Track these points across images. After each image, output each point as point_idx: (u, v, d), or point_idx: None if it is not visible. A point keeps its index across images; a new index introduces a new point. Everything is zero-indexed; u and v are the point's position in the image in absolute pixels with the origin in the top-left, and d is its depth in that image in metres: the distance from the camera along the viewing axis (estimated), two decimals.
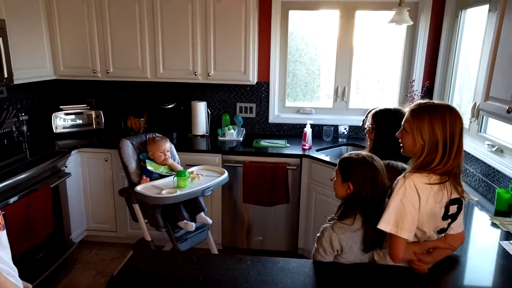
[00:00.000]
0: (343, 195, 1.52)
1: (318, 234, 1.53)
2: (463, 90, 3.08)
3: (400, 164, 1.67)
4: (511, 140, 2.36)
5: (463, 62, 3.05)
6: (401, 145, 1.46)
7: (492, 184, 2.37)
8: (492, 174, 2.38)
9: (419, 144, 1.34)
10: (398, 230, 1.33)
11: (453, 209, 1.38)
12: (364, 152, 1.54)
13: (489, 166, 2.39)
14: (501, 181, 2.28)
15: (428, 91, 3.28)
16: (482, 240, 1.80)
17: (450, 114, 1.32)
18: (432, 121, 1.32)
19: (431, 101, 1.39)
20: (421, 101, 1.40)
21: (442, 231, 1.43)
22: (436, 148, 1.31)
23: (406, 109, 1.43)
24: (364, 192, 1.46)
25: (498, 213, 2.02)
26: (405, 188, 1.32)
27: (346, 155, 1.56)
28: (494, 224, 1.90)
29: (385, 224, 1.35)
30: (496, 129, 2.55)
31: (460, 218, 1.45)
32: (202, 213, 2.64)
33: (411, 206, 1.32)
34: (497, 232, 1.84)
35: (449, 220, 1.41)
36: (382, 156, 1.71)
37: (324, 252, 1.48)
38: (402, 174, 1.37)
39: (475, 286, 1.42)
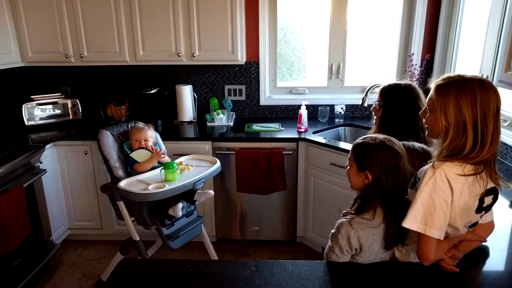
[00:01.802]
0: (360, 185, 1.32)
1: (332, 231, 1.33)
2: (466, 63, 2.89)
3: (417, 144, 1.48)
4: None
5: (466, 33, 2.85)
6: (426, 126, 1.25)
7: (505, 161, 2.21)
8: (504, 150, 2.22)
9: (442, 125, 1.14)
10: (427, 228, 1.14)
11: (488, 200, 1.19)
12: (381, 135, 1.33)
13: (501, 142, 2.23)
14: None
15: (428, 64, 3.09)
16: (506, 225, 1.63)
17: (482, 90, 1.10)
18: (459, 98, 1.11)
19: (462, 74, 1.18)
20: (451, 74, 1.19)
21: (474, 224, 1.25)
22: (464, 131, 1.10)
23: (432, 84, 1.21)
24: (385, 182, 1.25)
25: None
26: (435, 180, 1.12)
27: (360, 140, 1.35)
28: None
29: (412, 222, 1.15)
30: (507, 103, 2.38)
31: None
32: (199, 191, 2.39)
33: (442, 200, 1.13)
34: None
35: (483, 213, 1.23)
36: (390, 135, 1.52)
37: (341, 251, 1.28)
38: (430, 163, 1.16)
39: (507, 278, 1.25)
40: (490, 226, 1.33)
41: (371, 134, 1.38)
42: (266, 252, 3.06)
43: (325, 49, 3.31)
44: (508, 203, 1.77)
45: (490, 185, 1.17)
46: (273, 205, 2.98)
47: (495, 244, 1.41)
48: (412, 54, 3.11)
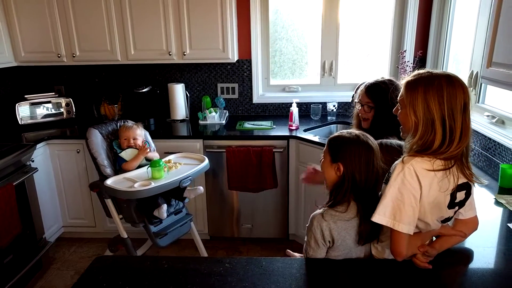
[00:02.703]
0: (333, 178, 1.32)
1: (307, 224, 1.33)
2: (458, 59, 2.88)
3: (395, 141, 1.47)
4: None
5: (457, 29, 2.83)
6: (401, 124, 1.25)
7: (493, 158, 2.20)
8: (493, 147, 2.21)
9: (412, 121, 1.14)
10: (395, 223, 1.14)
11: (460, 195, 1.19)
12: (357, 131, 1.34)
13: (489, 138, 2.22)
14: (503, 154, 2.11)
15: (420, 61, 3.07)
16: (489, 222, 1.62)
17: (449, 86, 1.11)
18: (426, 95, 1.11)
19: (431, 70, 1.17)
20: (420, 71, 1.19)
21: (447, 220, 1.25)
22: (433, 127, 1.11)
23: (403, 81, 1.21)
24: (358, 176, 1.26)
25: (502, 190, 1.84)
26: (404, 175, 1.12)
27: (336, 133, 1.36)
28: (498, 203, 1.73)
29: (381, 216, 1.16)
30: (496, 99, 2.36)
31: (471, 201, 1.26)
32: (188, 188, 2.41)
33: (411, 195, 1.13)
34: (503, 212, 1.67)
35: (456, 208, 1.22)
36: (382, 135, 1.51)
37: (316, 244, 1.28)
38: (400, 159, 1.16)
39: (485, 276, 1.25)
40: (472, 222, 1.31)
41: (348, 130, 1.38)
42: (258, 249, 3.07)
43: (317, 46, 3.31)
44: (493, 200, 1.77)
45: (462, 180, 1.17)
46: (265, 203, 2.99)
47: (480, 241, 1.41)
48: (405, 51, 3.09)
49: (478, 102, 2.48)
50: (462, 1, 2.76)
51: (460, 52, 2.83)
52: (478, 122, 2.35)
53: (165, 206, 2.24)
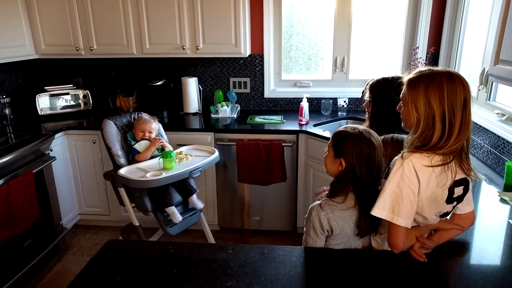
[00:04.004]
0: (334, 172, 1.37)
1: (305, 216, 1.39)
2: (471, 56, 2.85)
3: (406, 136, 1.51)
4: None
5: (471, 26, 2.81)
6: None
7: (502, 156, 2.19)
8: (501, 145, 2.20)
9: (414, 117, 1.17)
10: (394, 217, 1.18)
11: (458, 191, 1.22)
12: (361, 127, 1.38)
13: (499, 136, 2.21)
14: (511, 152, 2.10)
15: (433, 58, 3.06)
16: (490, 218, 1.64)
17: (449, 82, 1.13)
18: (427, 92, 1.14)
19: (432, 68, 1.20)
20: (421, 68, 1.22)
21: (446, 214, 1.28)
22: (433, 123, 1.14)
23: (405, 79, 1.24)
24: (359, 171, 1.30)
25: (507, 188, 1.85)
26: (403, 171, 1.16)
27: (340, 128, 1.40)
28: (503, 200, 1.74)
29: (380, 210, 1.20)
30: (506, 97, 2.35)
31: (469, 196, 1.28)
32: (194, 197, 2.51)
33: (409, 190, 1.16)
34: (506, 209, 1.68)
35: (454, 203, 1.25)
36: (381, 131, 1.55)
37: (315, 233, 1.34)
38: (400, 154, 1.20)
39: (483, 270, 1.27)
40: (469, 217, 1.34)
41: (354, 125, 1.42)
42: (266, 241, 3.13)
43: (329, 42, 3.32)
44: (498, 197, 1.78)
45: (460, 176, 1.19)
46: (274, 196, 3.04)
47: (480, 236, 1.45)
48: (417, 48, 3.08)
49: (489, 100, 2.47)
50: None
51: (473, 49, 2.81)
52: (488, 119, 2.34)
53: (172, 208, 2.33)
